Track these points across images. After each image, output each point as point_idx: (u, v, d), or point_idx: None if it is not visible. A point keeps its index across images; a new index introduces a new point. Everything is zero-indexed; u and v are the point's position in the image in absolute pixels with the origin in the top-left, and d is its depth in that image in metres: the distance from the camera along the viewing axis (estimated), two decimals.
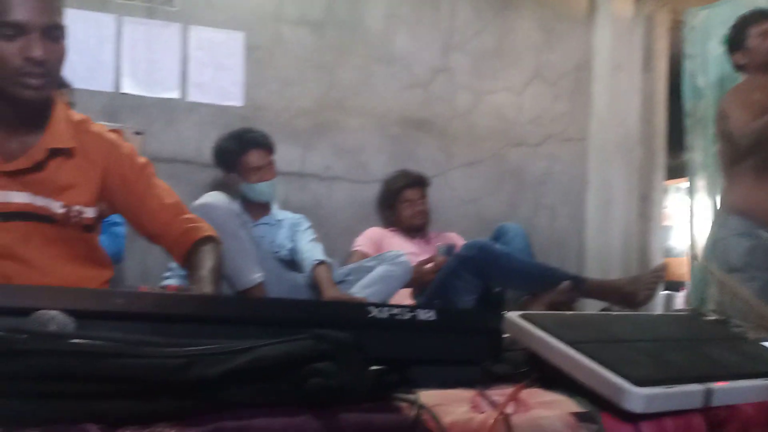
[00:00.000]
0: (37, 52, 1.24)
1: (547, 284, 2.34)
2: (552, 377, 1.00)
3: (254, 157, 2.64)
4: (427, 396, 0.93)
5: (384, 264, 2.52)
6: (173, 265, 2.49)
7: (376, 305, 1.06)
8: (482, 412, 0.89)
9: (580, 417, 0.88)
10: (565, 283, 2.32)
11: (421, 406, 0.87)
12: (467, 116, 3.58)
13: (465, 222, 3.50)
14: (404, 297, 2.74)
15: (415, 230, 3.15)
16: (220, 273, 1.39)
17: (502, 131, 3.64)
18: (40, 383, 0.71)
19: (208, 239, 1.45)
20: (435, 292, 2.50)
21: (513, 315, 1.11)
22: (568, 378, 0.96)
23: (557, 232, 3.68)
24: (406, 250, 2.94)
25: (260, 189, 2.65)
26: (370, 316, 1.05)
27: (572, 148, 3.73)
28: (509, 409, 0.91)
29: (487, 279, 2.41)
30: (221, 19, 3.13)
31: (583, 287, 2.36)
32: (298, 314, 1.04)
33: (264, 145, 2.68)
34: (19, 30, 1.24)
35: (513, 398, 0.94)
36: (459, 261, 2.45)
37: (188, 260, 1.41)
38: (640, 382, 0.87)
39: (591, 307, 2.71)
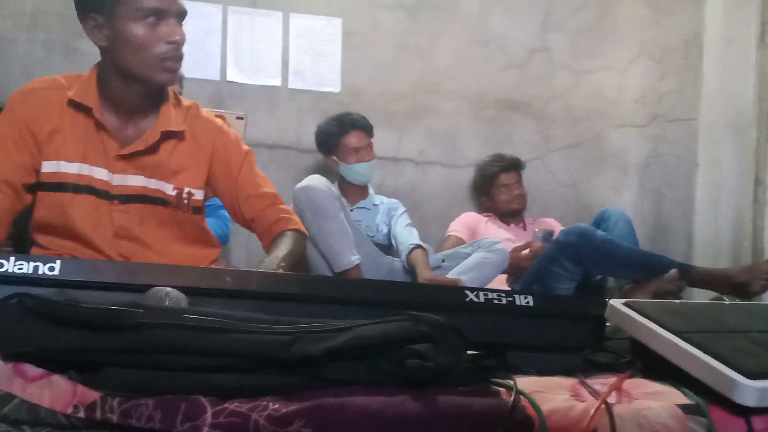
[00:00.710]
0: (178, 36, 1.32)
1: (652, 272, 2.24)
2: (657, 368, 0.97)
3: (354, 139, 2.70)
4: (525, 382, 0.92)
5: (480, 251, 2.50)
6: None
7: (473, 289, 1.05)
8: (583, 401, 0.87)
9: (687, 409, 0.84)
10: (672, 272, 2.21)
11: (520, 392, 0.86)
12: (566, 97, 3.47)
13: (564, 207, 3.41)
14: (500, 284, 2.71)
15: (510, 215, 3.11)
16: (296, 261, 1.42)
17: (604, 112, 3.51)
18: (155, 355, 0.76)
19: (296, 231, 1.49)
20: (532, 280, 2.45)
21: (617, 303, 1.07)
22: (675, 369, 0.92)
23: (663, 217, 3.52)
24: (501, 236, 2.90)
25: (360, 170, 2.70)
26: (466, 299, 1.05)
27: (680, 128, 3.54)
28: (612, 399, 0.88)
29: (588, 266, 2.34)
30: (320, 6, 3.18)
31: (690, 276, 2.24)
32: (396, 296, 1.06)
33: (364, 127, 2.74)
34: (160, 15, 1.32)
35: (616, 388, 0.91)
36: (558, 247, 2.39)
37: (271, 245, 1.46)
38: (752, 375, 0.83)
39: (699, 297, 2.58)
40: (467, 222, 3.04)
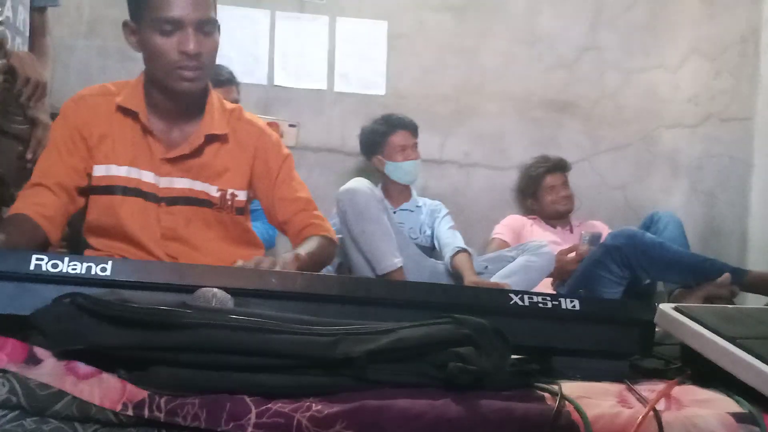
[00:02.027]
0: (191, 45, 1.34)
1: (704, 276, 2.17)
2: (708, 374, 0.94)
3: (401, 137, 2.71)
4: (570, 387, 0.91)
5: (525, 254, 2.47)
6: None
7: (517, 292, 1.04)
8: (630, 408, 0.85)
9: (739, 418, 0.82)
10: (724, 276, 2.14)
11: (565, 397, 0.85)
12: (615, 97, 3.40)
13: (612, 210, 3.34)
14: (545, 287, 2.67)
15: (556, 218, 3.06)
16: (318, 263, 1.42)
17: (654, 112, 3.42)
18: (202, 355, 0.77)
19: (326, 237, 1.51)
20: (578, 284, 2.40)
21: (667, 307, 1.05)
22: (727, 376, 0.89)
23: (716, 220, 3.41)
24: (547, 239, 2.86)
25: (407, 168, 2.70)
26: (511, 303, 1.04)
27: (735, 128, 3.43)
28: (660, 406, 0.86)
29: (636, 270, 2.28)
30: (366, 9, 3.20)
31: (744, 280, 2.17)
32: (440, 299, 1.05)
33: (410, 126, 2.76)
34: (175, 25, 1.34)
35: (665, 394, 0.89)
36: (605, 251, 2.33)
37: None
38: None
39: (753, 302, 2.49)
40: (512, 225, 3.01)
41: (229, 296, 0.90)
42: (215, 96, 1.50)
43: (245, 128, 1.51)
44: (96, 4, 2.98)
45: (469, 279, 2.25)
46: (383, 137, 2.73)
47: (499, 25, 3.29)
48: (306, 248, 1.40)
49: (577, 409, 0.82)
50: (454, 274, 2.38)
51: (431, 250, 2.60)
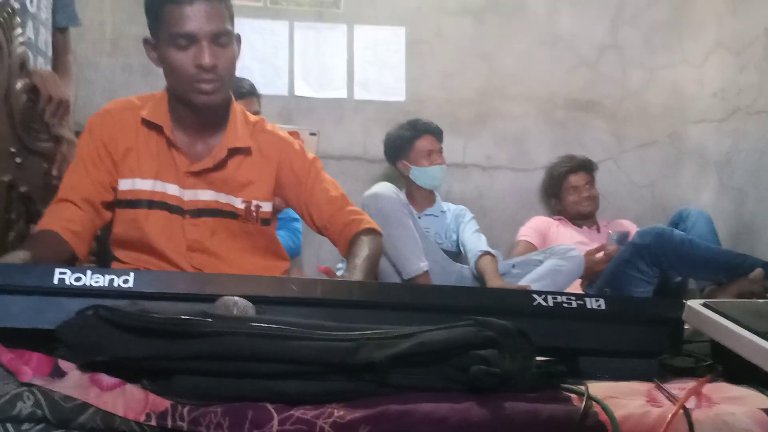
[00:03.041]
0: (207, 59, 1.34)
1: (735, 273, 2.13)
2: (740, 371, 0.92)
3: (427, 142, 2.72)
4: (598, 388, 0.89)
5: (553, 258, 2.44)
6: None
7: (541, 293, 1.03)
8: (659, 406, 0.84)
9: None
10: (757, 271, 2.10)
11: (591, 397, 0.83)
12: (639, 94, 3.36)
13: (640, 208, 3.29)
14: (574, 288, 2.64)
15: (582, 218, 3.02)
16: (375, 262, 1.42)
17: (680, 108, 3.37)
18: (223, 363, 0.77)
19: (370, 231, 1.49)
20: (607, 284, 2.38)
21: (695, 303, 1.03)
22: (759, 372, 0.87)
23: (746, 216, 3.33)
24: (574, 239, 2.83)
25: (433, 172, 2.70)
26: (534, 304, 1.03)
27: (763, 121, 3.35)
28: (690, 404, 0.84)
29: (665, 268, 2.25)
30: (384, 16, 3.20)
31: None
32: (463, 301, 1.04)
33: (435, 131, 2.76)
34: (190, 40, 1.35)
35: (695, 392, 0.87)
36: (633, 249, 2.31)
37: (348, 250, 1.47)
38: None
39: None
40: (537, 226, 2.98)
41: (251, 304, 0.90)
42: (238, 108, 1.51)
43: (268, 140, 1.52)
44: (118, 21, 3.04)
45: (492, 284, 2.22)
46: (409, 142, 2.73)
47: (518, 26, 3.28)
48: (360, 256, 1.38)
49: (605, 409, 0.81)
50: (479, 277, 2.36)
51: (457, 255, 2.59)
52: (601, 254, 2.58)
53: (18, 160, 1.53)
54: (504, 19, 3.26)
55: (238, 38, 1.43)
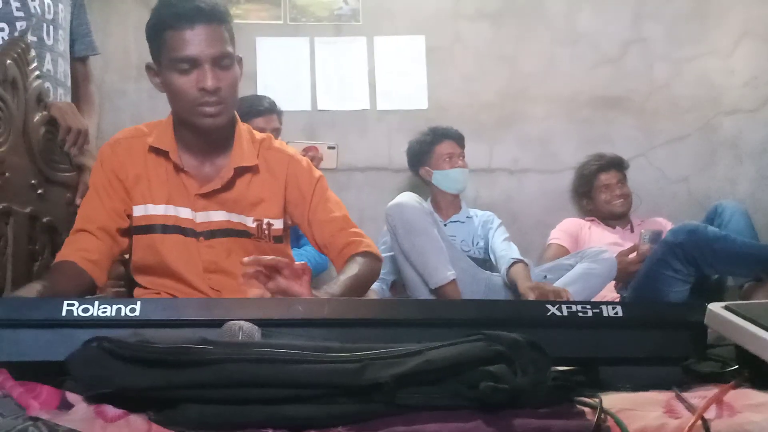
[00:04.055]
0: (209, 82, 1.35)
1: None
2: (766, 376, 0.88)
3: (447, 146, 2.71)
4: (615, 399, 0.86)
5: (585, 261, 2.38)
6: None
7: (554, 303, 1.01)
8: (678, 418, 0.81)
9: None
10: None
11: (604, 410, 0.81)
12: (667, 88, 3.28)
13: (674, 204, 3.21)
14: (608, 290, 2.58)
15: (615, 218, 2.96)
16: (363, 283, 1.39)
17: (711, 99, 3.28)
18: (226, 390, 0.77)
19: (368, 254, 1.48)
20: (641, 285, 2.31)
21: (716, 307, 0.99)
22: None
23: None
24: (606, 240, 2.77)
25: (455, 176, 2.69)
26: (548, 314, 1.00)
27: None
28: (711, 414, 0.81)
29: (701, 266, 2.17)
30: (402, 25, 3.20)
31: None
32: (474, 315, 1.02)
33: (455, 136, 2.75)
34: (192, 63, 1.36)
35: (716, 401, 0.84)
36: (666, 248, 2.24)
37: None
38: None
39: None
40: (568, 229, 2.93)
41: (257, 328, 0.90)
42: (243, 128, 1.52)
43: (275, 157, 1.52)
44: (142, 48, 3.02)
45: (526, 284, 2.18)
46: (430, 147, 2.74)
47: (537, 27, 3.24)
48: (347, 273, 1.38)
49: (618, 424, 0.78)
50: (511, 286, 2.33)
51: (484, 262, 2.55)
52: (633, 255, 2.52)
53: (40, 191, 1.56)
54: (522, 20, 3.22)
55: (240, 60, 1.44)
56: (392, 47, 3.20)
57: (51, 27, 1.82)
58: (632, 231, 2.92)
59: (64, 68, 1.88)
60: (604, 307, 1.01)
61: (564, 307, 1.00)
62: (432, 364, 0.83)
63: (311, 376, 0.80)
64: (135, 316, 0.89)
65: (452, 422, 0.78)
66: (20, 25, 1.72)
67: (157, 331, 0.83)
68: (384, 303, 1.19)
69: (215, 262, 1.44)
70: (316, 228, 1.50)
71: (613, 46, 3.27)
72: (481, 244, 2.62)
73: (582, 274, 2.36)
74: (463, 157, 2.75)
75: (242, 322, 0.89)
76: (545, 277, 2.40)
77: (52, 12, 1.83)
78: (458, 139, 2.75)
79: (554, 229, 2.95)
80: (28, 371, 0.85)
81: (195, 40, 1.34)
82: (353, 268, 1.40)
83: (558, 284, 2.31)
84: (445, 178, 2.70)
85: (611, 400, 0.86)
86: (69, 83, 1.91)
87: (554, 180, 3.19)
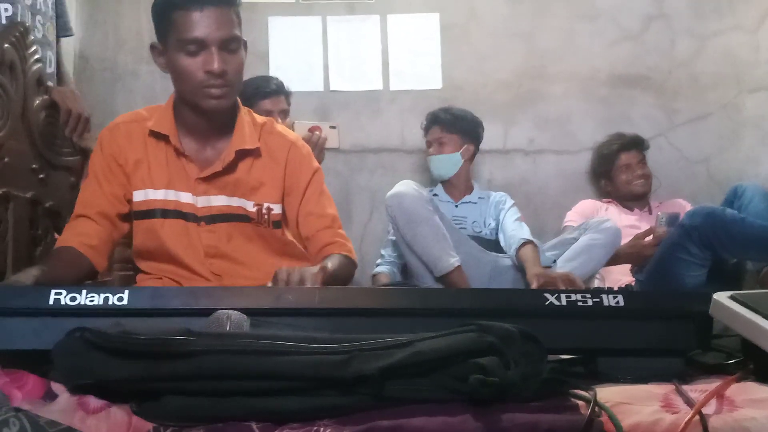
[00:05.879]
0: (216, 65, 1.34)
1: None
2: None
3: (430, 133, 2.72)
4: (611, 392, 0.84)
5: (588, 232, 2.35)
6: (384, 252, 2.57)
7: (553, 292, 0.98)
8: (675, 412, 0.78)
9: None
10: None
11: (598, 404, 0.78)
12: (690, 65, 3.18)
13: (695, 186, 3.13)
14: (624, 274, 2.54)
15: (633, 199, 2.89)
16: (335, 277, 1.34)
17: (735, 77, 3.18)
18: (209, 382, 0.76)
19: (347, 257, 1.48)
20: (657, 268, 2.26)
21: (721, 296, 0.96)
22: None
23: None
24: (624, 223, 2.71)
25: (431, 163, 2.71)
26: (546, 303, 0.98)
27: None
28: (710, 408, 0.78)
29: (718, 250, 2.11)
30: (416, 3, 3.13)
31: None
32: (470, 305, 1.00)
33: (440, 121, 2.71)
34: (200, 45, 1.35)
35: (716, 395, 0.81)
36: (682, 231, 2.18)
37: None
38: None
39: None
40: (584, 210, 2.87)
41: (245, 317, 0.89)
42: (245, 111, 1.51)
43: (276, 141, 1.51)
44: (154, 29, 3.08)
45: (532, 271, 2.15)
46: (425, 133, 2.76)
47: (555, 2, 3.15)
48: (332, 263, 1.37)
49: (612, 418, 0.76)
50: (520, 266, 2.29)
51: (496, 244, 2.52)
52: (650, 238, 2.47)
53: (41, 176, 1.56)
54: None
55: (245, 44, 1.43)
56: (406, 25, 3.14)
57: (29, 13, 1.81)
58: (650, 213, 2.86)
59: (51, 58, 1.87)
60: (604, 296, 0.98)
61: (563, 296, 0.98)
62: (421, 355, 0.81)
63: (295, 368, 0.78)
64: (123, 304, 0.88)
65: (439, 416, 0.76)
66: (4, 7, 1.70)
67: (141, 321, 0.82)
68: (378, 292, 1.17)
69: (216, 247, 1.44)
70: (305, 219, 1.49)
71: (633, 21, 3.17)
72: (492, 224, 2.58)
73: (585, 246, 2.33)
74: (443, 141, 2.68)
75: (231, 312, 0.88)
76: (554, 261, 2.35)
77: None
78: (443, 124, 2.69)
79: (570, 211, 2.89)
80: (16, 360, 0.85)
81: (204, 22, 1.33)
82: (335, 262, 1.39)
83: (563, 258, 2.28)
84: (430, 164, 2.73)
85: (608, 393, 0.83)
86: (56, 73, 1.90)
87: (571, 161, 3.12)
